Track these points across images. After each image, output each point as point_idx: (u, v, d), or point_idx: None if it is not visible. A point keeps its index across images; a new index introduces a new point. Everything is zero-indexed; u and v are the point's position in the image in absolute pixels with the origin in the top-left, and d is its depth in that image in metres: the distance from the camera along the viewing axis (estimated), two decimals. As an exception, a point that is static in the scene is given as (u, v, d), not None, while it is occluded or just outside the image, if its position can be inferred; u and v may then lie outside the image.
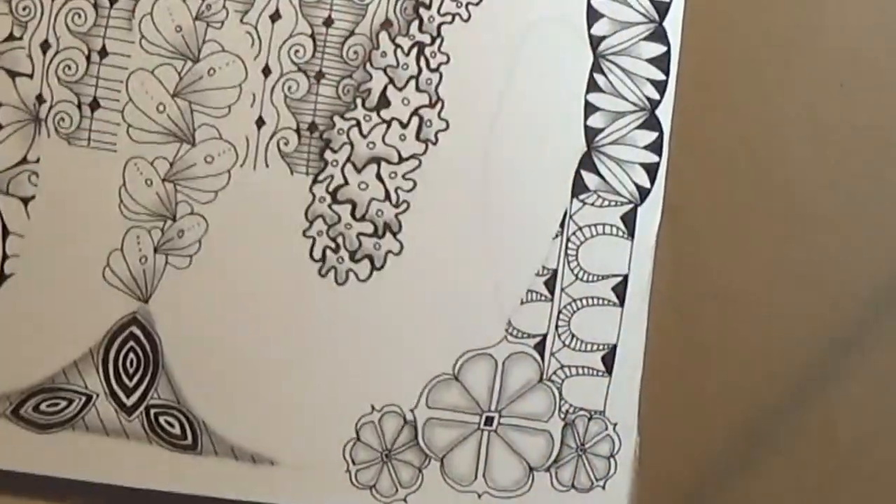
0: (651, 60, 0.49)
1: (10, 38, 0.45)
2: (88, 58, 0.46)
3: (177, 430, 0.47)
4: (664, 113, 0.49)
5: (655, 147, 0.49)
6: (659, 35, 0.49)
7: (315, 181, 0.47)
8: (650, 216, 0.49)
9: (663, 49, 0.49)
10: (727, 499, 0.49)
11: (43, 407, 0.46)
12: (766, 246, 0.49)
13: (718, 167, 0.49)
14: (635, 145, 0.49)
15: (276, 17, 0.47)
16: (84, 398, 0.46)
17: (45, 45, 0.46)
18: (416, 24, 0.47)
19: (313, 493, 0.47)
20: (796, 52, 0.49)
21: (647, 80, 0.49)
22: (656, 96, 0.49)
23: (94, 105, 0.46)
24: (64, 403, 0.46)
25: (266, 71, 0.47)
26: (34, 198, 0.46)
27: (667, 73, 0.49)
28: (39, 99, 0.46)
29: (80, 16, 0.46)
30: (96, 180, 0.46)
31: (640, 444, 0.49)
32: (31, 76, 0.45)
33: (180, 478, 0.47)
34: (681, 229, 0.49)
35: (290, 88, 0.47)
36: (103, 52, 0.46)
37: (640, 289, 0.49)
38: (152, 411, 0.46)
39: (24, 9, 0.45)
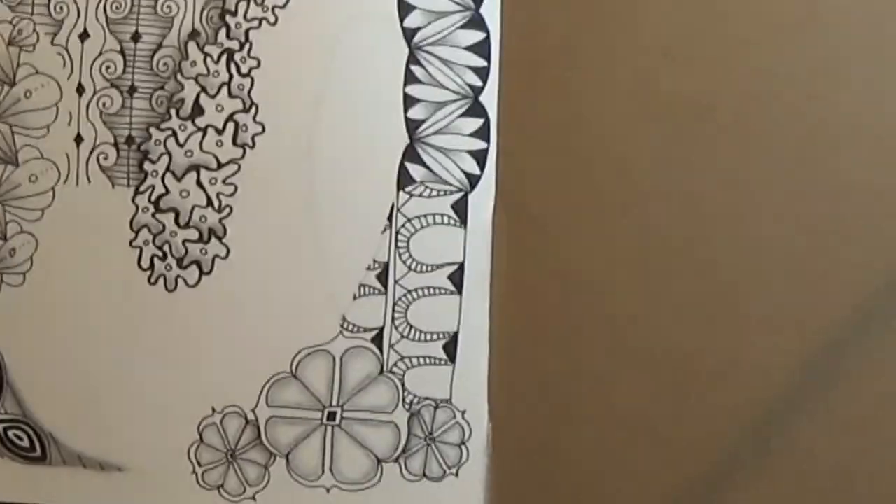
0: (470, 48, 0.48)
1: None
2: None
3: (25, 443, 0.48)
4: (489, 99, 0.49)
5: (482, 133, 0.49)
6: (476, 22, 0.48)
7: (137, 192, 0.48)
8: (482, 203, 0.49)
9: (482, 35, 0.48)
10: (581, 480, 0.49)
11: None
12: (604, 223, 0.49)
13: (550, 148, 0.49)
14: (461, 133, 0.49)
15: (84, 35, 0.47)
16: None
17: None
18: (223, 31, 0.48)
19: (162, 496, 0.48)
20: (617, 24, 0.49)
21: (468, 67, 0.48)
22: (478, 83, 0.49)
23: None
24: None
25: (80, 89, 0.48)
26: None
27: (488, 59, 0.48)
28: None
29: None
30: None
31: (491, 431, 0.49)
32: None
33: (32, 489, 0.48)
34: (517, 213, 0.49)
35: (104, 104, 0.48)
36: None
37: (478, 276, 0.49)
38: (0, 426, 0.48)
39: None
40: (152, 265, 0.48)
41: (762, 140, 0.48)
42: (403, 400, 0.48)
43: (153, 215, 0.48)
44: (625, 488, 0.49)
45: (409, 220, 0.48)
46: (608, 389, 0.49)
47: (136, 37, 0.48)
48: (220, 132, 0.48)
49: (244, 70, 0.48)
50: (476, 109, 0.48)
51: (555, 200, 0.49)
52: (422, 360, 0.48)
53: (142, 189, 0.48)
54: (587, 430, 0.49)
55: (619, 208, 0.49)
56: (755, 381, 0.48)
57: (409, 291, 0.48)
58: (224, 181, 0.48)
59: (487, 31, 0.48)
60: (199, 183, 0.48)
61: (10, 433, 0.48)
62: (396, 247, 0.48)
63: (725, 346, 0.48)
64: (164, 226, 0.48)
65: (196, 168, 0.48)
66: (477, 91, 0.48)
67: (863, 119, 0.48)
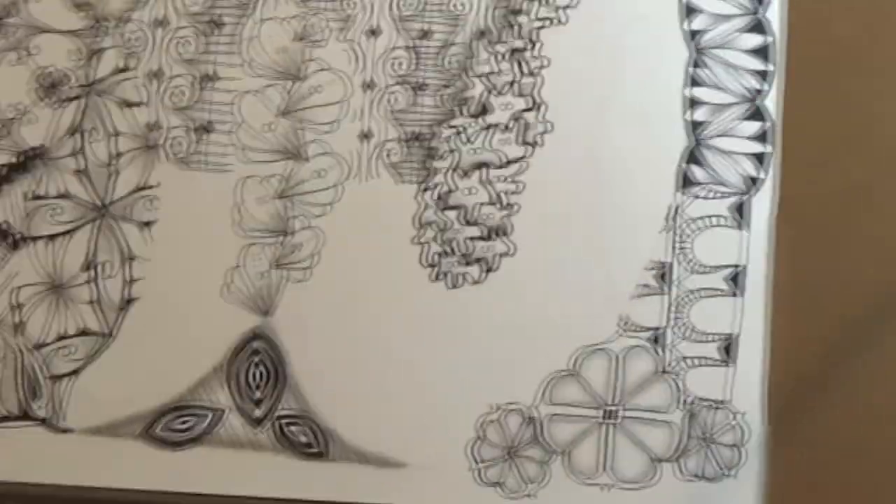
0: (752, 51, 0.49)
1: (124, 69, 0.47)
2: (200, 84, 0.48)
3: (305, 439, 0.48)
4: (771, 103, 0.49)
5: (764, 137, 0.49)
6: (759, 26, 0.49)
7: (422, 189, 0.48)
8: (763, 206, 0.49)
9: (765, 39, 0.49)
10: (858, 484, 0.49)
11: (174, 425, 0.47)
12: (886, 231, 0.49)
13: (834, 154, 0.49)
14: (742, 136, 0.49)
15: (374, 32, 0.48)
16: (213, 413, 0.48)
17: (156, 74, 0.47)
18: (511, 30, 0.48)
19: (441, 493, 0.48)
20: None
21: (750, 71, 0.49)
22: (761, 86, 0.49)
23: (207, 129, 0.47)
24: (194, 420, 0.48)
25: (369, 85, 0.48)
26: (156, 221, 0.47)
27: (771, 63, 0.49)
28: (154, 126, 0.47)
29: (188, 43, 0.47)
30: (212, 201, 0.47)
31: (769, 433, 0.49)
32: (146, 104, 0.47)
33: (311, 485, 0.48)
34: (798, 218, 0.49)
35: (392, 101, 0.48)
36: (214, 77, 0.48)
37: (758, 278, 0.49)
38: (280, 422, 0.48)
39: (136, 40, 0.47)
40: (436, 262, 0.48)
41: None
42: (681, 400, 0.49)
43: (439, 212, 0.48)
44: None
45: (689, 222, 0.49)
46: (889, 394, 0.49)
47: (425, 34, 0.48)
48: (507, 130, 0.48)
49: (533, 69, 0.48)
50: (758, 113, 0.49)
51: (837, 207, 0.49)
52: (700, 361, 0.49)
53: (428, 186, 0.48)
54: (865, 434, 0.49)
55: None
56: None
57: (688, 292, 0.49)
58: (511, 179, 0.48)
59: (772, 35, 0.48)
60: (485, 180, 0.48)
61: (292, 428, 0.48)
62: (676, 247, 0.48)
63: None
64: (449, 223, 0.48)
65: (483, 166, 0.48)
66: (759, 94, 0.49)
67: None
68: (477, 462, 0.48)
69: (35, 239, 0.47)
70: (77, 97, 0.48)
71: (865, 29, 0.49)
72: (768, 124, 0.49)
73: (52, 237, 0.47)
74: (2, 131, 0.47)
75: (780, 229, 0.49)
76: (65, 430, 0.48)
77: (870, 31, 0.49)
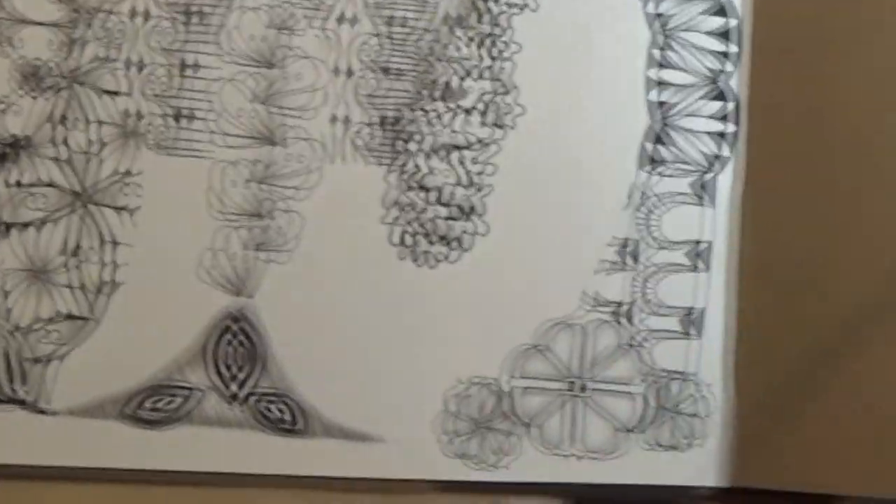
0: (715, 33, 0.50)
1: (104, 59, 0.48)
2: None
3: (283, 416, 0.49)
4: (735, 83, 0.51)
5: (729, 116, 0.51)
6: (722, 9, 0.50)
7: (394, 170, 0.49)
8: (728, 184, 0.51)
9: (727, 22, 0.50)
10: (822, 455, 0.50)
11: (155, 404, 0.49)
12: (848, 208, 0.50)
13: (798, 132, 0.51)
14: (706, 116, 0.51)
15: (345, 19, 0.49)
16: (193, 393, 0.49)
17: (135, 63, 0.48)
18: (482, 16, 0.49)
19: (411, 465, 0.49)
20: (868, 6, 0.50)
21: (714, 52, 0.51)
22: (725, 67, 0.51)
23: (186, 116, 0.49)
24: (174, 399, 0.49)
25: (343, 71, 0.49)
26: (138, 208, 0.48)
27: (734, 44, 0.51)
28: (134, 114, 0.48)
29: (166, 32, 0.48)
30: (192, 186, 0.49)
31: (733, 403, 0.50)
32: (126, 93, 0.48)
33: (288, 460, 0.49)
34: (762, 195, 0.50)
35: (364, 85, 0.49)
36: (193, 66, 0.49)
37: (724, 254, 0.50)
38: (259, 400, 0.49)
39: (116, 30, 0.48)
40: (409, 242, 0.49)
41: None
42: (647, 372, 0.50)
43: (410, 193, 0.50)
44: (865, 458, 0.50)
45: (653, 199, 0.50)
46: (852, 367, 0.50)
47: (397, 20, 0.49)
48: (478, 114, 0.50)
49: (507, 54, 0.50)
50: (722, 93, 0.51)
51: (800, 184, 0.51)
52: (666, 334, 0.50)
53: (400, 168, 0.50)
54: (829, 406, 0.50)
55: (863, 193, 0.50)
56: None
57: (652, 267, 0.50)
58: (483, 161, 0.50)
59: (734, 17, 0.50)
60: (456, 161, 0.50)
61: (272, 407, 0.49)
62: (642, 224, 0.50)
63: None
64: (420, 204, 0.50)
65: (455, 148, 0.50)
66: (723, 75, 0.51)
67: None
68: (446, 435, 0.50)
69: (18, 226, 0.48)
70: (58, 87, 0.48)
71: (829, 9, 0.51)
72: (732, 104, 0.51)
73: (34, 224, 0.48)
74: (-15, 122, 0.48)
75: (745, 206, 0.51)
76: (48, 412, 0.48)
77: (833, 11, 0.51)
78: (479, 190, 0.50)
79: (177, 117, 0.49)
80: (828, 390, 0.50)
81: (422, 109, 0.50)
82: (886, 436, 0.50)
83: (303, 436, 0.49)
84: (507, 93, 0.50)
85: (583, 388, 0.50)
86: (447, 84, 0.50)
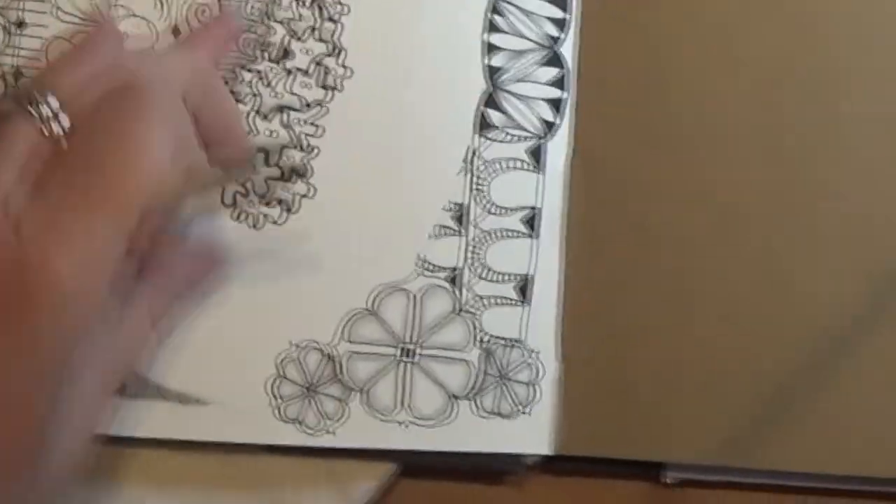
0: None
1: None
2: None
3: (113, 377, 0.49)
4: (567, 49, 0.51)
5: (560, 83, 0.51)
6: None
7: (226, 132, 0.49)
8: (559, 150, 0.51)
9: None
10: (648, 421, 0.50)
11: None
12: (679, 172, 0.50)
13: (628, 98, 0.51)
14: (539, 82, 0.51)
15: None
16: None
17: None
18: (313, -22, 0.50)
19: (242, 429, 0.49)
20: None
21: (547, 18, 0.51)
22: (558, 33, 0.51)
23: (15, 74, 0.49)
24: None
25: (176, 32, 0.49)
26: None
27: (567, 11, 0.51)
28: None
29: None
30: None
31: (563, 371, 0.50)
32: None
33: (121, 423, 0.49)
34: (592, 161, 0.50)
35: (196, 46, 0.49)
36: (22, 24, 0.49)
37: (554, 220, 0.50)
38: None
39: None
40: (235, 202, 0.49)
41: (847, 90, 0.50)
42: (477, 339, 0.50)
43: (241, 153, 0.50)
44: (688, 426, 0.50)
45: (486, 164, 0.50)
46: (676, 333, 0.50)
47: (227, -19, 0.49)
48: (308, 75, 0.50)
49: (334, 16, 0.50)
50: (554, 59, 0.50)
51: (630, 149, 0.51)
52: (496, 301, 0.50)
53: (230, 128, 0.50)
54: (655, 371, 0.50)
55: (692, 161, 0.50)
56: (825, 316, 0.50)
57: (485, 233, 0.50)
58: (311, 122, 0.50)
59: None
60: (286, 123, 0.50)
61: (96, 365, 0.49)
62: (473, 189, 0.50)
63: (794, 296, 0.50)
64: (250, 164, 0.50)
65: (284, 109, 0.50)
66: (556, 41, 0.51)
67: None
68: (277, 399, 0.49)
69: None
70: None
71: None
72: (564, 71, 0.51)
73: None
74: None
75: (575, 173, 0.51)
76: None
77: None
78: (307, 151, 0.49)
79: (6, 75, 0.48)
80: (652, 360, 0.50)
81: (255, 70, 0.49)
82: (708, 404, 0.50)
83: (135, 398, 0.49)
84: (335, 55, 0.50)
85: (413, 354, 0.50)
86: (281, 46, 0.50)
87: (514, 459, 0.50)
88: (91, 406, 0.43)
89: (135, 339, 0.45)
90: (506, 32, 0.51)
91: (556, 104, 0.51)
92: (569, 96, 0.51)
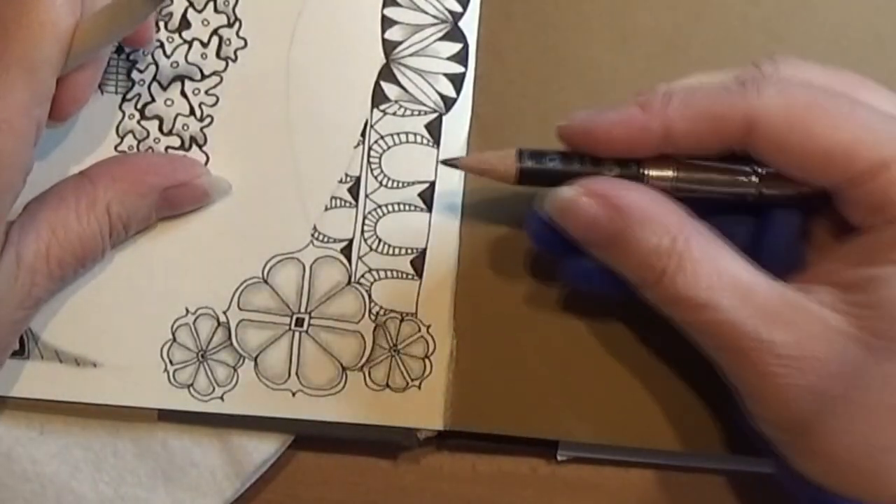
0: (449, -26, 0.51)
1: None
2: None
3: (6, 338, 0.50)
4: (467, 24, 0.51)
5: (459, 58, 0.51)
6: (456, -51, 0.51)
7: (124, 99, 0.50)
8: (457, 125, 0.51)
9: (462, -38, 0.51)
10: (543, 399, 0.50)
11: None
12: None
13: (527, 74, 0.51)
14: (438, 56, 0.51)
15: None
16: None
17: None
18: (211, -52, 0.50)
19: (134, 392, 0.50)
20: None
21: (447, -8, 0.51)
22: (458, 9, 0.51)
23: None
24: None
25: (73, 0, 0.50)
26: None
27: (467, -15, 0.51)
28: None
29: None
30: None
31: (455, 346, 0.50)
32: None
33: (11, 383, 0.50)
34: (490, 136, 0.51)
35: (97, 14, 0.50)
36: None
37: (449, 195, 0.50)
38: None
39: None
40: (134, 160, 0.50)
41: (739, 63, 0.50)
42: (370, 311, 0.50)
43: (139, 122, 0.50)
44: (579, 410, 0.50)
45: (382, 137, 0.50)
46: (563, 313, 0.50)
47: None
48: (204, 45, 0.50)
49: (230, -13, 0.50)
50: (455, 34, 0.51)
51: (528, 125, 0.51)
52: (389, 274, 0.50)
53: (129, 97, 0.50)
54: (541, 351, 0.50)
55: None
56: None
57: (379, 206, 0.50)
58: (207, 92, 0.50)
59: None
60: (183, 93, 0.50)
61: (-6, 326, 0.50)
62: (369, 162, 0.50)
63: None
64: (148, 132, 0.50)
65: (181, 78, 0.50)
66: (456, 16, 0.51)
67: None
68: (170, 364, 0.50)
69: None
70: None
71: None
72: (464, 45, 0.51)
73: None
74: None
75: (473, 148, 0.51)
76: None
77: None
78: (201, 120, 0.50)
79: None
80: (540, 336, 0.50)
81: (154, 40, 0.50)
82: (598, 382, 0.49)
83: (27, 358, 0.50)
84: (231, 25, 0.50)
85: (305, 324, 0.50)
86: (182, 15, 0.50)
87: (408, 433, 0.50)
88: None
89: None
90: (403, 7, 0.51)
91: (455, 79, 0.51)
92: (468, 71, 0.51)
